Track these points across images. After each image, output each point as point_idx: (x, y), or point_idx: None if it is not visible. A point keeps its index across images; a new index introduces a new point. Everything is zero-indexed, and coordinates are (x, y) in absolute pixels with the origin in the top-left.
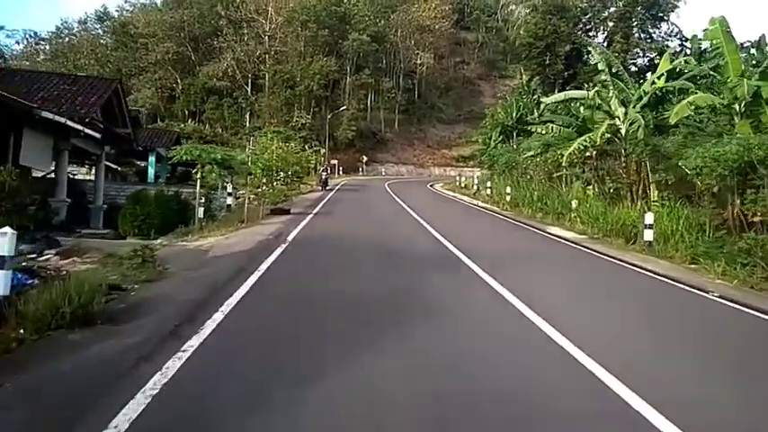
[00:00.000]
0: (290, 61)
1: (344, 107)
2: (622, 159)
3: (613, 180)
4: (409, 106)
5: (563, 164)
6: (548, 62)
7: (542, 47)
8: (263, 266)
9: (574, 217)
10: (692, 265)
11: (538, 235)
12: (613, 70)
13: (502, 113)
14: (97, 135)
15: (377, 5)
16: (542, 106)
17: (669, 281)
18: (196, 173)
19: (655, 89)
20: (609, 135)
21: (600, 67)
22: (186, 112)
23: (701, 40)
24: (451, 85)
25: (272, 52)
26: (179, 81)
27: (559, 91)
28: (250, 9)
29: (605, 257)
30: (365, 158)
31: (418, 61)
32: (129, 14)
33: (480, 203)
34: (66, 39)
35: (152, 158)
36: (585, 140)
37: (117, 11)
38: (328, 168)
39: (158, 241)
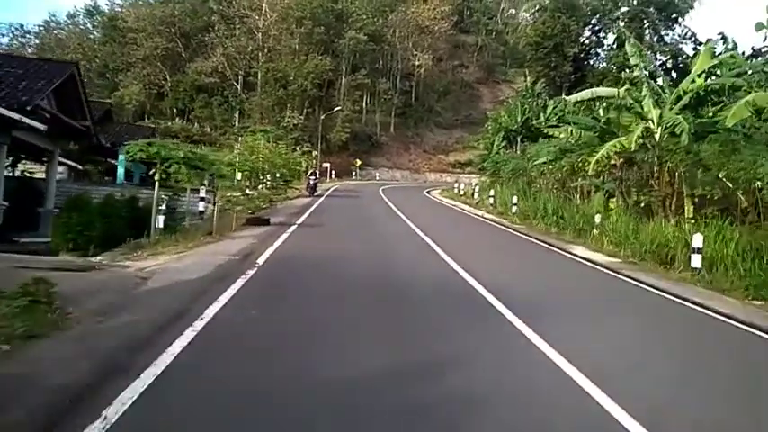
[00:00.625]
0: (284, 59)
1: (339, 107)
2: (654, 169)
3: (643, 192)
4: (406, 109)
5: (589, 172)
6: (554, 64)
7: (550, 47)
8: (211, 310)
9: (597, 234)
10: (756, 302)
11: (564, 258)
12: (645, 68)
13: (505, 117)
14: (41, 126)
15: (375, 3)
16: (549, 110)
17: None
18: (153, 174)
19: (697, 88)
20: (642, 140)
21: (632, 61)
22: (175, 110)
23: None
24: (450, 88)
25: (266, 50)
26: (168, 78)
27: (567, 94)
28: (243, 5)
29: (662, 294)
30: (359, 162)
31: (416, 62)
32: (119, 8)
33: (485, 215)
34: (54, 33)
35: (122, 157)
36: (615, 146)
37: (107, 5)
38: (317, 172)
39: (97, 259)
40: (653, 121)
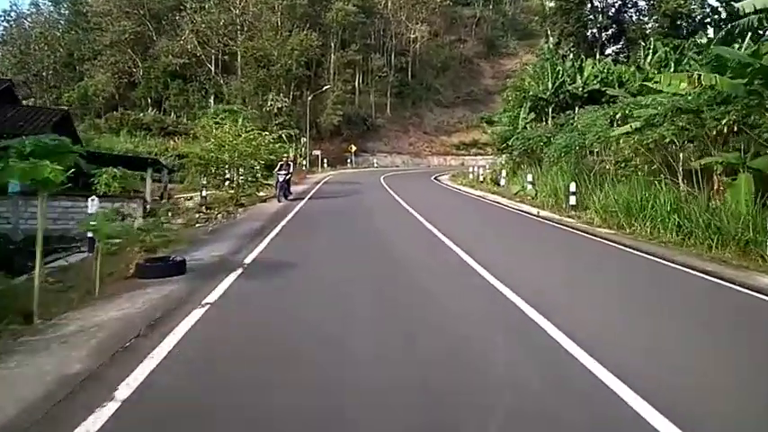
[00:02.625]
0: (264, 36)
1: (328, 86)
2: None
3: None
4: (402, 88)
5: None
6: (586, 17)
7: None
8: None
9: None
10: None
11: None
12: None
13: (533, 84)
14: None
15: None
16: (586, 73)
17: None
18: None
19: None
20: None
21: None
22: (149, 99)
23: None
24: (448, 64)
25: (244, 27)
26: (139, 64)
27: (600, 53)
28: None
29: None
30: (354, 148)
31: (412, 35)
32: None
33: (541, 213)
34: (14, 22)
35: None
36: None
37: None
38: (290, 163)
39: None
40: None
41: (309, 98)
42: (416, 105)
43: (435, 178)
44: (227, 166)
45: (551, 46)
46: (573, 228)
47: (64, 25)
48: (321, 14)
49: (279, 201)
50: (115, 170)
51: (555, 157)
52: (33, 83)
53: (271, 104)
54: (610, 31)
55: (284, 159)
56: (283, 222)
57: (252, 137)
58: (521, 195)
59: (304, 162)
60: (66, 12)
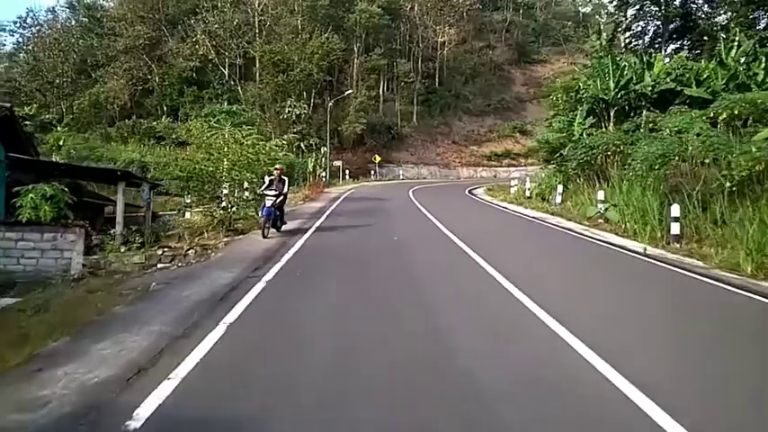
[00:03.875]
0: (284, 40)
1: (351, 91)
2: None
3: None
4: (429, 96)
5: None
6: (647, 7)
7: None
8: None
9: None
10: None
11: None
12: None
13: (589, 84)
14: None
15: None
16: (656, 70)
17: None
18: None
19: None
20: None
21: None
22: (164, 107)
23: None
24: (478, 70)
25: (261, 30)
26: (154, 71)
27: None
28: None
29: None
30: (378, 158)
31: (440, 39)
32: None
33: (649, 249)
34: (31, 28)
35: None
36: None
37: None
38: (283, 179)
39: None
40: None
41: (330, 104)
42: (444, 114)
43: (470, 192)
44: (221, 181)
45: (604, 42)
46: (714, 278)
47: (78, 31)
48: (344, 17)
49: (264, 235)
50: (46, 187)
51: (644, 170)
52: (47, 90)
53: (289, 111)
54: (673, 25)
55: (276, 173)
56: (268, 277)
57: (251, 143)
58: (595, 219)
59: (323, 174)
60: (84, 18)
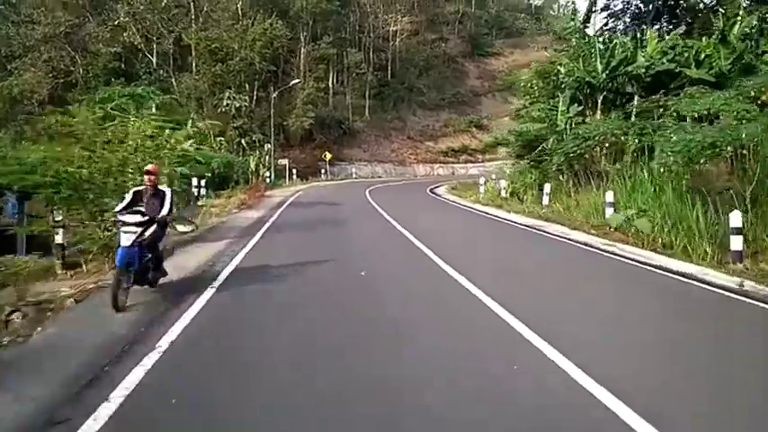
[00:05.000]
0: (222, 25)
1: (297, 81)
2: None
3: None
4: (382, 88)
5: None
6: None
7: None
8: None
9: None
10: None
11: None
12: None
13: (574, 67)
14: None
15: None
16: (649, 50)
17: None
18: None
19: None
20: None
21: None
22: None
23: None
24: (431, 63)
25: (197, 16)
26: (78, 61)
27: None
28: None
29: None
30: (329, 156)
31: (392, 28)
32: None
33: (754, 291)
34: None
35: None
36: None
37: None
38: (162, 193)
39: None
40: None
41: (274, 95)
42: (398, 107)
43: (432, 191)
44: (105, 189)
45: (578, 24)
46: None
47: None
48: (289, 2)
49: (116, 305)
50: None
51: (680, 165)
52: None
53: (227, 104)
54: (654, 2)
55: (147, 182)
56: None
57: (152, 132)
58: (624, 229)
59: (267, 174)
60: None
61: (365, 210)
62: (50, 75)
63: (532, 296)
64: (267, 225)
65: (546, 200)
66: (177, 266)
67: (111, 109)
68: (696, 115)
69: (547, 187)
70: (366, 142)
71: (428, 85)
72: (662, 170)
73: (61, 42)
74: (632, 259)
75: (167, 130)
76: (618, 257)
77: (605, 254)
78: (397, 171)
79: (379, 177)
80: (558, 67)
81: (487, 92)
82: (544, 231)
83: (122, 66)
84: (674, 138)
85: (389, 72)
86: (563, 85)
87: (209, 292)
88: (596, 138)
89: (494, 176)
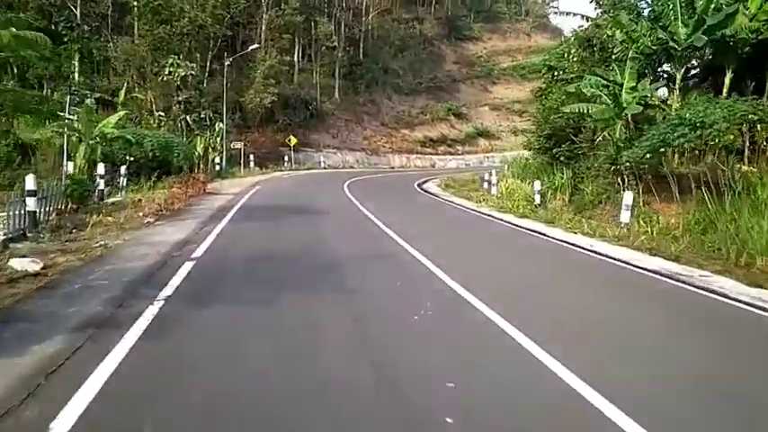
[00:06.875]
0: None
1: (256, 45)
2: None
3: None
4: (354, 68)
5: None
6: None
7: None
8: None
9: None
10: None
11: None
12: None
13: (636, 33)
14: None
15: None
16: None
17: None
18: None
19: None
20: None
21: None
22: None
23: None
24: (407, 43)
25: None
26: None
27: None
28: None
29: None
30: (293, 140)
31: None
32: None
33: None
34: None
35: None
36: None
37: None
38: None
39: None
40: None
41: (228, 61)
42: (371, 90)
43: (420, 186)
44: None
45: None
46: None
47: None
48: None
49: None
50: None
51: None
52: None
53: (170, 72)
54: None
55: None
56: None
57: None
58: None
59: (218, 160)
60: None
61: (353, 216)
62: None
63: None
64: (171, 284)
65: (625, 216)
66: None
67: None
68: None
69: (627, 197)
70: (335, 127)
71: (404, 68)
72: None
73: None
74: None
75: None
76: None
77: None
78: (371, 161)
79: (351, 168)
80: (609, 32)
81: (465, 78)
82: (697, 287)
83: (53, 26)
84: None
85: (362, 50)
86: (619, 55)
87: None
88: (718, 126)
89: (505, 170)
